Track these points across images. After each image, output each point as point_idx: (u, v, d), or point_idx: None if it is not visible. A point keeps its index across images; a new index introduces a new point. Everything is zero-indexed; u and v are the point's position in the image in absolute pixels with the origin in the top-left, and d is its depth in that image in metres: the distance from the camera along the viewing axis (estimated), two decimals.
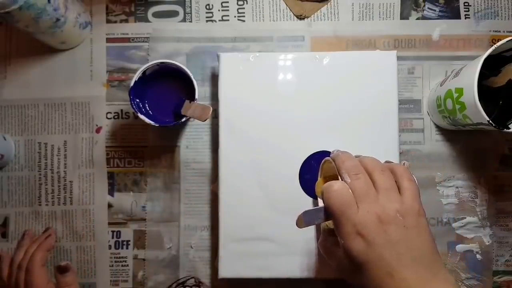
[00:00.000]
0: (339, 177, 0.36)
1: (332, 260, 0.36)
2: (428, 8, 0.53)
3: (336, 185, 0.34)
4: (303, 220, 0.35)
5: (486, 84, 0.47)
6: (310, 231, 0.46)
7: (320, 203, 0.41)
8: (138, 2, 0.54)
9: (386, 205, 0.33)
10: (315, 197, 0.46)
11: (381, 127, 0.47)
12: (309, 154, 0.47)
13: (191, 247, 0.52)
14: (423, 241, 0.33)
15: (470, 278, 0.50)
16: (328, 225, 0.39)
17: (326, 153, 0.46)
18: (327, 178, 0.42)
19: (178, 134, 0.53)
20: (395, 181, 0.35)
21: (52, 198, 0.53)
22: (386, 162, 0.38)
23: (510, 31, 0.52)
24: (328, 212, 0.34)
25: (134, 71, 0.48)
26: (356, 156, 0.39)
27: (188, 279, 0.51)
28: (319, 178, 0.43)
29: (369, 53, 0.49)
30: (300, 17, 0.53)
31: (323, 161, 0.41)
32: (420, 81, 0.52)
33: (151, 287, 0.51)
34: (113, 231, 0.52)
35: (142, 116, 0.46)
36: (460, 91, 0.42)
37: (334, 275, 0.46)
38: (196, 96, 0.46)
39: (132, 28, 0.54)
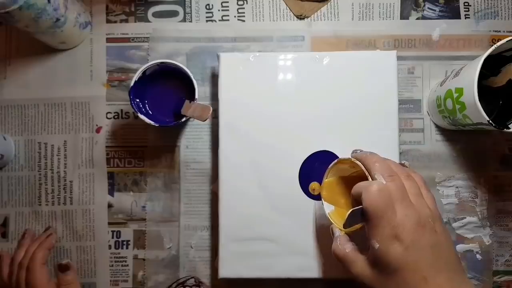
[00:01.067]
0: (369, 178, 0.35)
1: (351, 267, 0.35)
2: (428, 8, 0.53)
3: (376, 185, 0.33)
4: (347, 222, 0.34)
5: (486, 84, 0.47)
6: (310, 231, 0.46)
7: (326, 206, 0.41)
8: (138, 2, 0.54)
9: (420, 209, 0.33)
10: (314, 198, 0.46)
11: (381, 127, 0.47)
12: (309, 154, 0.47)
13: (191, 247, 0.52)
14: (450, 247, 0.34)
15: (470, 278, 0.50)
16: (343, 229, 0.38)
17: (326, 153, 0.46)
18: (343, 179, 0.42)
19: (178, 134, 0.53)
20: None
21: (52, 198, 0.53)
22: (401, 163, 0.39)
23: (510, 31, 0.52)
24: (365, 213, 0.33)
25: (134, 71, 0.48)
26: (355, 151, 0.39)
27: (188, 279, 0.51)
28: (328, 179, 0.42)
29: (369, 53, 0.49)
30: (300, 17, 0.53)
31: (335, 161, 0.40)
32: (420, 81, 0.52)
33: (151, 287, 0.51)
34: (113, 231, 0.52)
35: (142, 116, 0.46)
36: (460, 91, 0.42)
37: (336, 275, 0.46)
38: (196, 96, 0.46)
39: (132, 28, 0.54)
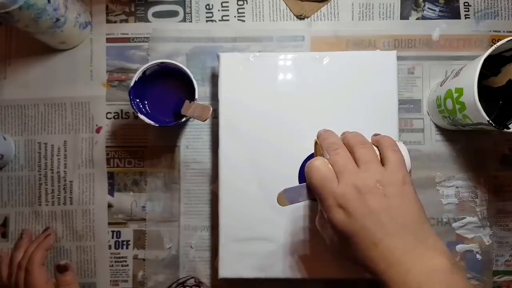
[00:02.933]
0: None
1: (326, 238, 0.36)
2: (428, 8, 0.53)
3: (316, 161, 0.35)
4: (285, 198, 0.36)
5: (486, 84, 0.47)
6: (309, 230, 0.46)
7: None
8: (138, 2, 0.54)
9: (365, 176, 0.33)
10: (314, 199, 0.46)
11: (381, 127, 0.46)
12: (309, 154, 0.47)
13: (191, 247, 0.52)
14: (409, 209, 0.33)
15: (470, 278, 0.50)
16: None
17: None
18: None
19: (178, 134, 0.53)
20: (380, 153, 0.36)
21: (52, 198, 0.53)
22: (375, 135, 0.38)
23: (510, 31, 0.52)
24: (310, 188, 0.35)
25: (134, 71, 0.48)
26: (343, 133, 0.39)
27: (188, 279, 0.51)
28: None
29: (369, 53, 0.49)
30: (300, 17, 0.53)
31: (313, 142, 0.41)
32: (420, 81, 0.52)
33: (151, 287, 0.51)
34: (113, 231, 0.52)
35: (142, 116, 0.46)
36: (460, 91, 0.42)
37: (335, 275, 0.46)
38: (196, 96, 0.46)
39: (132, 28, 0.54)
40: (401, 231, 0.32)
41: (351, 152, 0.35)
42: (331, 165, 0.34)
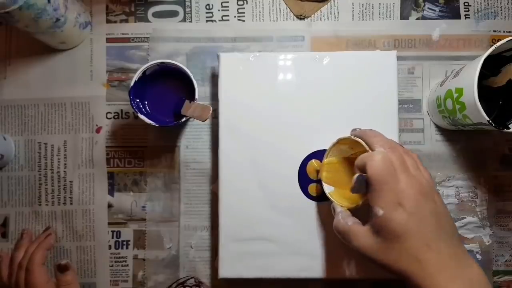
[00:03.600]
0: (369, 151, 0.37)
1: (353, 239, 0.36)
2: (428, 8, 0.53)
3: (379, 155, 0.34)
4: (355, 186, 0.35)
5: (486, 84, 0.47)
6: (309, 231, 0.46)
7: (325, 187, 0.43)
8: (138, 2, 0.54)
9: (420, 179, 0.34)
10: (313, 198, 0.46)
11: (381, 127, 0.46)
12: (308, 154, 0.47)
13: (191, 247, 0.52)
14: (449, 218, 0.35)
15: None
16: (346, 207, 0.40)
17: (324, 151, 0.46)
18: (343, 160, 0.43)
19: (178, 134, 0.53)
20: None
21: (52, 198, 0.53)
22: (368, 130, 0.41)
23: (510, 31, 0.52)
24: (370, 181, 0.34)
25: (134, 71, 0.48)
26: (355, 129, 0.41)
27: (188, 279, 0.51)
28: (328, 159, 0.43)
29: (369, 53, 0.49)
30: (300, 17, 0.53)
31: (335, 141, 0.42)
32: (420, 81, 0.52)
33: (151, 287, 0.51)
34: (113, 231, 0.52)
35: (142, 116, 0.46)
36: (460, 91, 0.42)
37: (336, 275, 0.46)
38: (196, 96, 0.46)
39: (132, 28, 0.54)
40: (449, 238, 0.33)
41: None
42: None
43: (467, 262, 0.33)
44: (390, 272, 0.33)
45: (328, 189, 0.43)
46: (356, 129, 0.42)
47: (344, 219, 0.37)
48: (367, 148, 0.38)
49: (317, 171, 0.45)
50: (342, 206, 0.40)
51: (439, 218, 0.33)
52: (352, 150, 0.43)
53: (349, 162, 0.43)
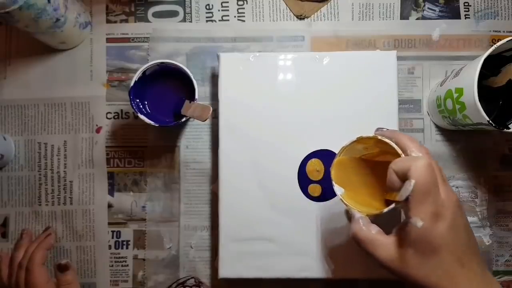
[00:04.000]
0: (403, 155, 0.34)
1: (376, 250, 0.33)
2: (428, 8, 0.53)
3: (424, 160, 0.31)
4: (403, 193, 0.32)
5: (486, 84, 0.47)
6: (309, 231, 0.46)
7: (336, 188, 0.38)
8: (138, 2, 0.54)
9: (452, 190, 0.33)
10: (312, 198, 0.46)
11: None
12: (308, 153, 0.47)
13: (191, 247, 0.52)
14: (473, 233, 0.34)
15: None
16: (366, 213, 0.36)
17: (324, 151, 0.46)
18: (353, 160, 0.40)
19: (178, 134, 0.53)
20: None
21: (52, 198, 0.53)
22: (380, 129, 0.39)
23: (510, 31, 0.52)
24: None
25: (134, 71, 0.48)
26: (380, 129, 0.38)
27: (188, 279, 0.51)
28: (340, 157, 0.39)
29: (369, 53, 0.49)
30: (300, 17, 0.53)
31: (354, 139, 0.37)
32: (420, 81, 0.52)
33: (151, 287, 0.51)
34: (113, 231, 0.52)
35: (142, 116, 0.46)
36: (460, 91, 0.42)
37: (336, 275, 0.46)
38: (196, 96, 0.46)
39: (132, 28, 0.54)
40: (477, 252, 0.32)
41: None
42: None
43: (492, 281, 0.32)
44: (413, 286, 0.32)
45: (338, 190, 0.38)
46: (382, 128, 0.38)
47: (366, 227, 0.34)
48: (399, 152, 0.34)
49: (317, 171, 0.44)
50: (361, 212, 0.36)
51: (469, 233, 0.33)
52: (366, 150, 0.40)
53: (359, 162, 0.40)
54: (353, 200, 0.38)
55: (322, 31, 0.53)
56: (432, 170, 0.31)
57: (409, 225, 0.31)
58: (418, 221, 0.31)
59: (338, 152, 0.39)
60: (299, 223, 0.46)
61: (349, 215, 0.38)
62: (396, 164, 0.33)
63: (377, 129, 0.39)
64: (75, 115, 0.53)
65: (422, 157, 0.33)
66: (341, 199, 0.38)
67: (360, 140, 0.37)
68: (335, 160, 0.39)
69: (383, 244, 0.33)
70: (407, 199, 0.32)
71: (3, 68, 0.54)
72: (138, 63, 0.53)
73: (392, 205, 0.34)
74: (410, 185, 0.31)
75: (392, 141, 0.35)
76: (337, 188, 0.38)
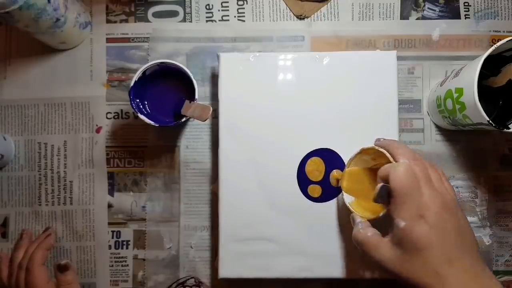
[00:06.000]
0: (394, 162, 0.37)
1: (373, 250, 0.35)
2: (428, 8, 0.53)
3: (403, 166, 0.34)
4: (377, 196, 0.35)
5: (486, 84, 0.47)
6: (309, 231, 0.46)
7: (346, 196, 0.42)
8: (138, 2, 0.54)
9: (444, 193, 0.34)
10: (312, 199, 0.46)
11: (381, 127, 0.47)
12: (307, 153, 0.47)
13: (191, 247, 0.52)
14: (472, 234, 0.35)
15: None
16: (366, 218, 0.39)
17: (323, 151, 0.46)
18: (364, 171, 0.43)
19: (178, 134, 0.53)
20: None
21: (52, 198, 0.53)
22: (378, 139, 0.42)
23: (510, 31, 0.52)
24: (392, 192, 0.34)
25: (134, 71, 0.48)
26: (379, 139, 0.41)
27: (188, 279, 0.51)
28: (349, 168, 0.43)
29: (369, 53, 0.49)
30: (300, 17, 0.53)
31: (358, 150, 0.41)
32: (420, 81, 0.52)
33: (151, 287, 0.51)
34: (113, 231, 0.52)
35: (142, 116, 0.46)
36: (460, 91, 0.42)
37: (336, 275, 0.46)
38: (196, 96, 0.46)
39: (132, 28, 0.54)
40: (469, 255, 0.33)
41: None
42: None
43: (488, 282, 0.32)
44: (407, 285, 0.33)
45: (348, 199, 0.42)
46: (380, 139, 0.41)
47: (363, 230, 0.37)
48: (391, 159, 0.37)
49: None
50: (361, 217, 0.39)
51: (462, 234, 0.33)
52: (374, 161, 0.42)
53: (371, 172, 0.42)
54: (363, 208, 0.41)
55: (322, 31, 0.53)
56: (411, 175, 0.34)
57: (394, 226, 0.34)
58: (401, 222, 0.33)
59: (346, 164, 0.43)
60: (299, 223, 0.46)
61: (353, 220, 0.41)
62: (381, 172, 0.36)
63: (376, 140, 0.42)
64: (75, 115, 0.53)
65: (402, 163, 0.35)
66: (348, 206, 0.41)
67: (363, 151, 0.41)
68: (345, 171, 0.43)
69: (378, 244, 0.35)
70: (389, 202, 0.35)
71: (3, 68, 0.54)
72: (138, 63, 0.53)
73: (385, 210, 0.37)
74: (377, 188, 0.35)
75: (386, 150, 0.38)
76: (346, 196, 0.42)
